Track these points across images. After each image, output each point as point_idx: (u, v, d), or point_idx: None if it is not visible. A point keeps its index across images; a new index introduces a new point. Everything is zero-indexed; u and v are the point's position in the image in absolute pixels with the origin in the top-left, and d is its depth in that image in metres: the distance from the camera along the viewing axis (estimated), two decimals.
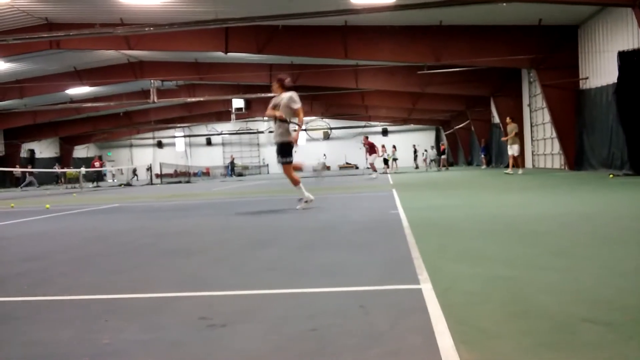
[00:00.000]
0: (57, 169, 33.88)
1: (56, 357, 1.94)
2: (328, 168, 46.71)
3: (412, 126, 45.28)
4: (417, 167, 35.46)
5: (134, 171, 42.18)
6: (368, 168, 24.15)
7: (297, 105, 7.09)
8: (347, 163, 47.65)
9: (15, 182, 32.43)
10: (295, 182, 7.28)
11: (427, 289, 2.56)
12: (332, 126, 47.43)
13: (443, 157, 31.70)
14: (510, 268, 2.99)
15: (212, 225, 6.23)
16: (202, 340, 2.03)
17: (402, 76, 24.78)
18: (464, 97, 29.21)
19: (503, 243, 3.88)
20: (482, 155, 29.96)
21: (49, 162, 40.74)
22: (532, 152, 23.40)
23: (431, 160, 36.48)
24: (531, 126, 23.27)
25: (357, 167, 45.04)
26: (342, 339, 1.94)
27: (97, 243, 5.09)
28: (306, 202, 7.26)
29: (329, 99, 33.48)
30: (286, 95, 7.12)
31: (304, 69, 24.49)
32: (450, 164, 34.82)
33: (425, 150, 40.47)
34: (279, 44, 18.87)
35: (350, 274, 3.05)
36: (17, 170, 30.45)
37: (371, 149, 21.17)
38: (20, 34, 15.60)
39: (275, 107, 7.15)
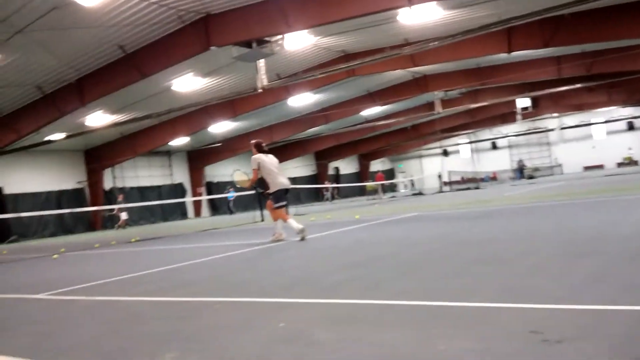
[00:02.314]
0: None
1: (402, 357, 2.18)
2: (636, 163, 40.18)
3: None
4: None
5: (412, 182, 44.74)
6: None
7: (251, 167, 8.19)
8: None
9: (322, 197, 38.07)
10: (276, 218, 8.09)
11: None
12: (637, 115, 40.72)
13: None
14: None
15: (515, 232, 6.06)
16: (539, 356, 2.01)
17: None
18: None
19: None
20: None
21: (350, 177, 46.19)
22: None
23: None
24: None
25: None
26: None
27: (408, 251, 5.49)
28: (277, 239, 7.87)
29: (633, 84, 28.95)
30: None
31: (598, 56, 21.84)
32: None
33: None
34: (567, 33, 17.30)
35: None
36: (327, 186, 35.89)
37: None
38: (324, 68, 17.89)
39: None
